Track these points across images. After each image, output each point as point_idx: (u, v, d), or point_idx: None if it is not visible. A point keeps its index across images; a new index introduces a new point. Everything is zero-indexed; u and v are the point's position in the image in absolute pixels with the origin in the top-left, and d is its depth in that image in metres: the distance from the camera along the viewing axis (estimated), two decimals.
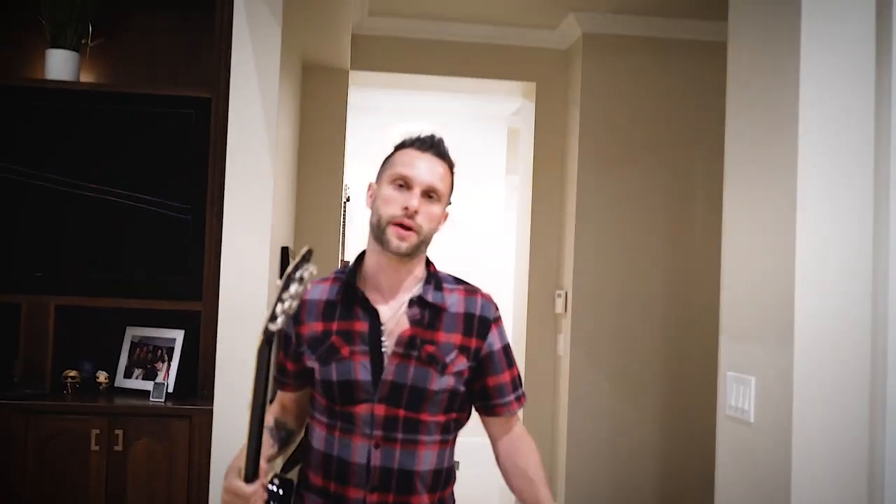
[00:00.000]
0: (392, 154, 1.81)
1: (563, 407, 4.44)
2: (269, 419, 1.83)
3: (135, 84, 3.36)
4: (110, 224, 3.20)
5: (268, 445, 1.76)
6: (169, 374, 3.22)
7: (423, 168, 1.75)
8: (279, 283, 1.46)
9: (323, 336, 1.75)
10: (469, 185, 6.65)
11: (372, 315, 1.74)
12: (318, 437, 1.77)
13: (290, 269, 1.46)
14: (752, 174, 2.28)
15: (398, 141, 1.83)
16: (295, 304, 1.44)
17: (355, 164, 5.61)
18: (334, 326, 1.75)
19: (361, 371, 1.71)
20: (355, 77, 4.67)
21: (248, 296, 2.97)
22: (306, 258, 1.46)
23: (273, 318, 1.45)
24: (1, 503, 2.90)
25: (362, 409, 1.70)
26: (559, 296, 4.56)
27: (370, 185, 1.83)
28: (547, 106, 4.71)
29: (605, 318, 4.38)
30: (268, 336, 1.46)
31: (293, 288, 1.44)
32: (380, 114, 6.72)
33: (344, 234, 5.16)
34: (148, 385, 3.20)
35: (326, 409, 1.75)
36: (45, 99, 3.20)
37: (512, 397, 1.84)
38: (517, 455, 1.86)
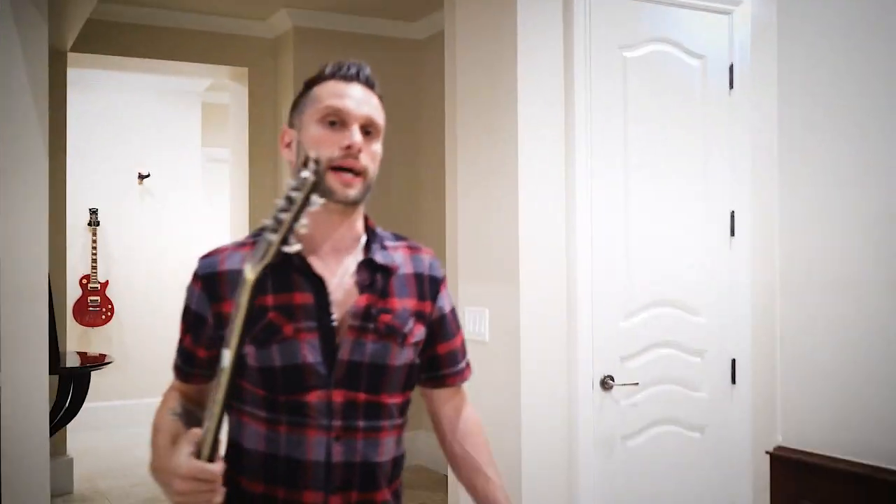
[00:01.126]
0: (309, 89, 1.51)
1: None
2: (176, 405, 1.53)
3: None
4: None
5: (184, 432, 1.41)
6: None
7: (358, 99, 1.48)
8: (295, 194, 1.22)
9: (256, 314, 1.38)
10: (162, 153, 7.09)
11: (316, 284, 1.44)
12: (255, 436, 1.46)
13: (309, 178, 1.22)
14: (481, 148, 3.03)
15: (314, 74, 1.53)
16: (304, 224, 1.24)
17: None
18: (269, 301, 1.42)
19: (310, 352, 1.43)
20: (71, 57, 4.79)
21: (28, 277, 3.19)
22: (319, 171, 1.24)
23: (286, 240, 1.23)
24: None
25: (315, 398, 1.43)
26: None
27: (285, 131, 1.53)
28: (259, 89, 5.21)
29: None
30: (273, 262, 1.24)
31: (314, 202, 1.23)
32: (72, 88, 6.67)
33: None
34: None
35: (265, 401, 1.44)
36: None
37: (463, 364, 1.67)
38: (466, 438, 1.66)
